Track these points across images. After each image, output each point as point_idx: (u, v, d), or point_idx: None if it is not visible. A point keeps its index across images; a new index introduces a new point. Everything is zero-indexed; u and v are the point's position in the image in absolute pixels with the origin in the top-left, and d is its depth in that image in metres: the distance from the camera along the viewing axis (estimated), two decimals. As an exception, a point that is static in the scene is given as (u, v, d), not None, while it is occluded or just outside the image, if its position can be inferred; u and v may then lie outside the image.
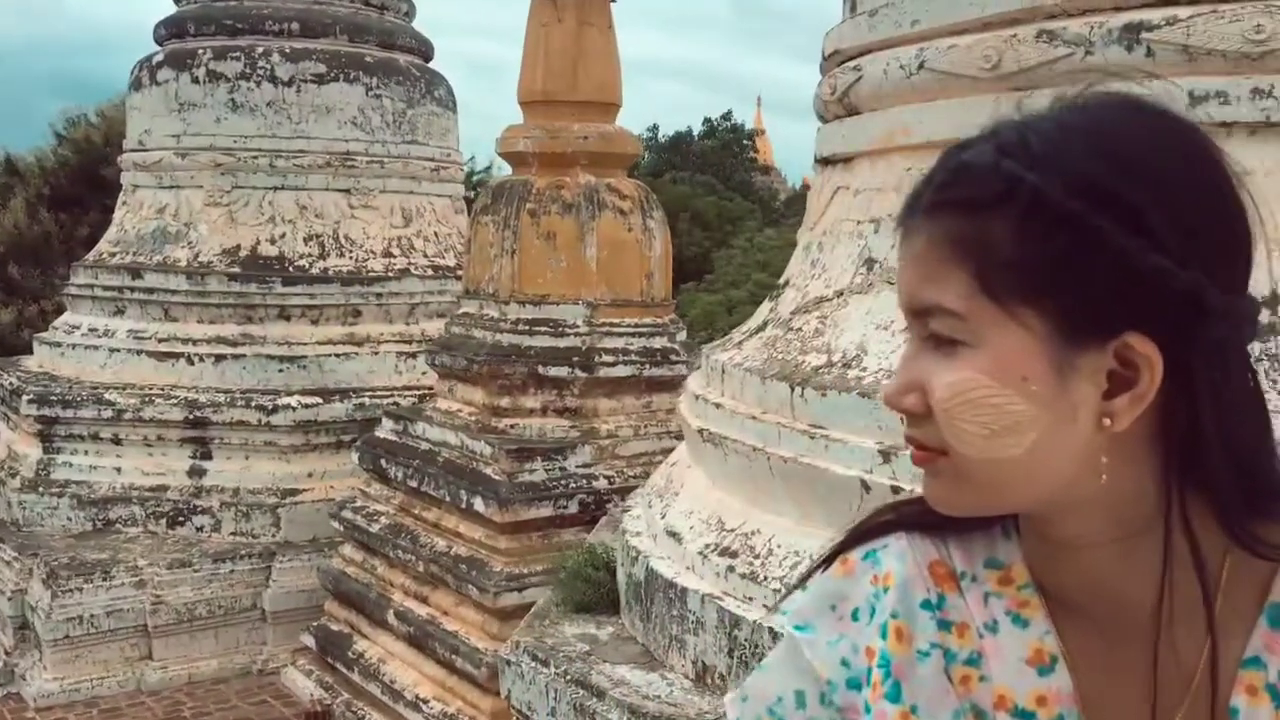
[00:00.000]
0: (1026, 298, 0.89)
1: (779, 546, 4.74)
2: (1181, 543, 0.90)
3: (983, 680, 0.98)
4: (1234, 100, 4.15)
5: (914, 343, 1.01)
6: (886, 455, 4.35)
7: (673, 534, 5.29)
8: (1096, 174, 0.91)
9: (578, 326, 10.02)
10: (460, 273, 12.60)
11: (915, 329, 1.00)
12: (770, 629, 4.48)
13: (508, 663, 5.55)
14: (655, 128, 58.20)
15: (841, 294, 5.16)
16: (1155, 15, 4.28)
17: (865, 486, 4.40)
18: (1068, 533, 0.96)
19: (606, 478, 9.50)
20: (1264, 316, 4.02)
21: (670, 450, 7.13)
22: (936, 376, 0.94)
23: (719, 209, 40.28)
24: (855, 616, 1.04)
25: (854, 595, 1.04)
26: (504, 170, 15.34)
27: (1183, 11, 4.24)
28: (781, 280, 6.00)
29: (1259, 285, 4.09)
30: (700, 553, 5.00)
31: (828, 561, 1.07)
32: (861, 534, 1.08)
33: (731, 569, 4.79)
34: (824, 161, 5.88)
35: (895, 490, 4.28)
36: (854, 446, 4.49)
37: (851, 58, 5.52)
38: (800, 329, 5.23)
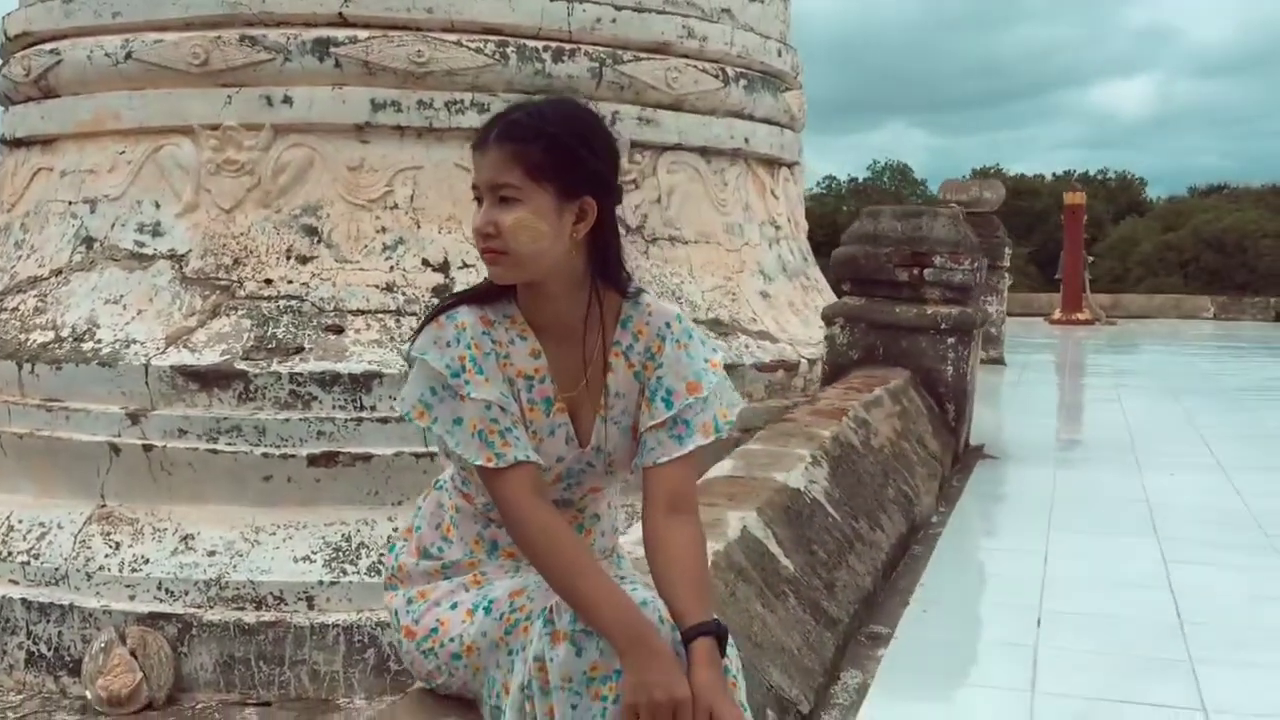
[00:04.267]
0: (546, 179, 1.62)
1: (20, 522, 4.72)
2: (594, 292, 1.73)
3: (509, 361, 1.72)
4: (405, 109, 5.20)
5: (489, 205, 1.64)
6: (135, 418, 4.63)
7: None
8: (571, 124, 1.70)
9: None
10: None
11: (489, 197, 1.64)
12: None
13: None
14: None
15: (60, 272, 5.23)
16: (340, 34, 5.16)
17: (115, 450, 4.63)
18: (550, 290, 1.71)
19: None
20: (441, 279, 5.15)
21: None
22: (505, 215, 1.62)
23: None
24: (449, 344, 1.68)
25: (446, 335, 1.70)
26: None
27: (361, 33, 5.17)
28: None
29: (457, 253, 5.20)
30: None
31: (426, 322, 1.71)
32: (442, 308, 1.73)
33: (-34, 555, 4.65)
34: (16, 143, 5.80)
35: (148, 449, 4.59)
36: (98, 414, 4.68)
37: (46, 40, 5.55)
38: (17, 309, 5.19)
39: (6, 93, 5.86)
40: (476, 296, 1.81)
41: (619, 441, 1.86)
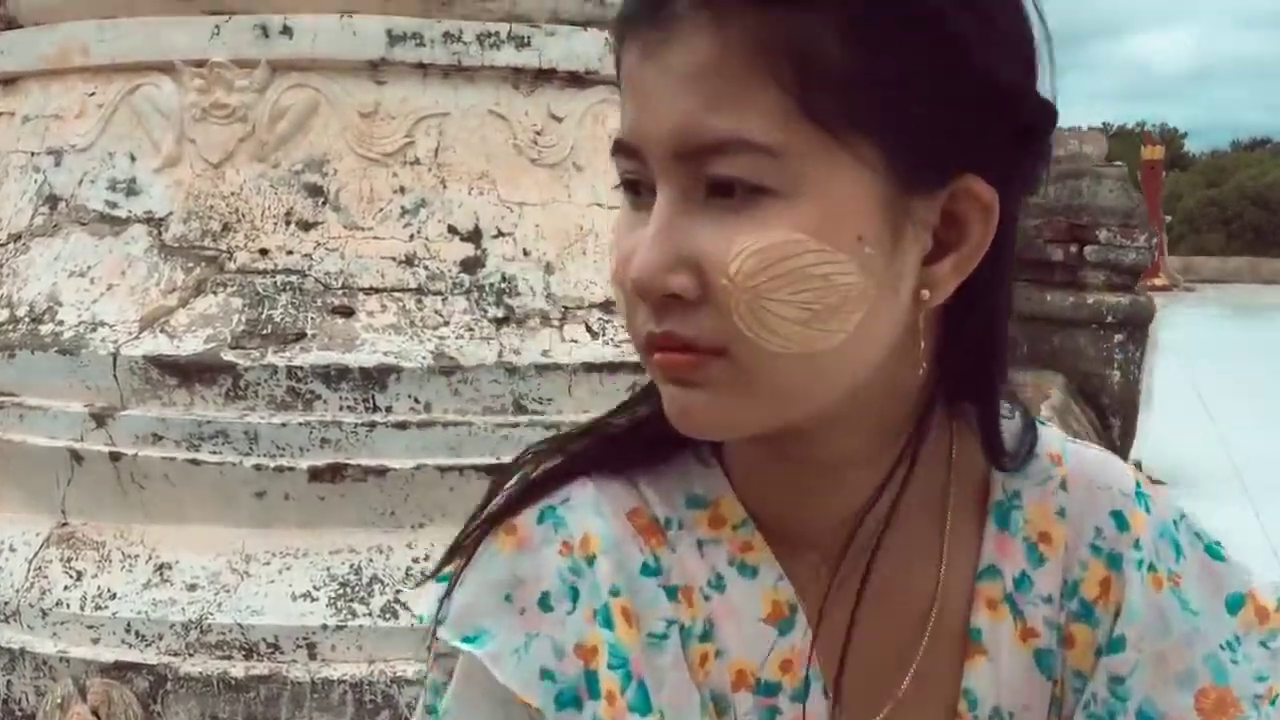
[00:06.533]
0: (864, 124, 0.67)
1: (-33, 542, 3.94)
2: (947, 448, 0.80)
3: (719, 656, 0.76)
4: (429, 42, 4.31)
5: (669, 203, 0.71)
6: (100, 419, 3.82)
7: None
8: None
9: None
10: None
11: (677, 179, 0.71)
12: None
13: None
14: None
15: (19, 237, 4.41)
16: (350, -51, 4.28)
17: (76, 457, 3.83)
18: (833, 451, 0.75)
19: None
20: (471, 250, 4.29)
21: None
22: (730, 241, 0.68)
23: None
24: (546, 605, 0.74)
25: (538, 574, 0.74)
26: None
27: (376, -52, 4.29)
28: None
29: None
30: None
31: (481, 533, 0.76)
32: (527, 489, 0.78)
33: (-98, 580, 3.87)
34: (-27, 80, 4.94)
35: (115, 457, 3.78)
36: (57, 413, 3.88)
37: (2, -39, 4.69)
38: (-32, 281, 4.37)
39: (-39, 20, 5.00)
40: (617, 456, 0.80)
41: None
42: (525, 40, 4.38)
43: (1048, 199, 3.38)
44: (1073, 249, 3.33)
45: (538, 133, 4.44)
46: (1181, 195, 43.21)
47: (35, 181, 4.47)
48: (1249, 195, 43.93)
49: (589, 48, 4.47)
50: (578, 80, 4.49)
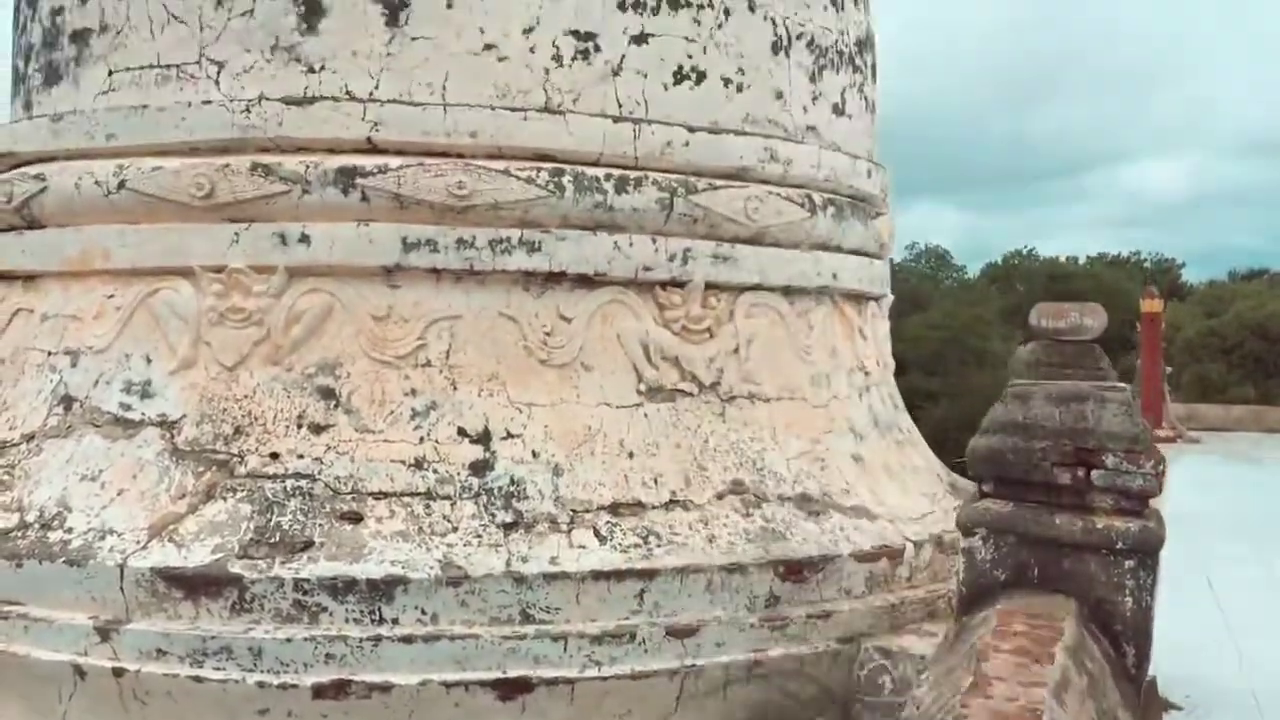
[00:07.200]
0: None
1: (-37, 758, 3.87)
2: None
3: None
4: (443, 248, 4.40)
5: None
6: (105, 633, 3.79)
7: None
8: None
9: None
10: None
11: None
12: None
13: None
14: None
15: (33, 438, 4.43)
16: (368, 162, 4.39)
17: (79, 672, 3.79)
18: None
19: None
20: (480, 453, 4.30)
21: None
22: None
23: None
24: None
25: None
26: None
27: (393, 161, 4.40)
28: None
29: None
30: None
31: None
32: None
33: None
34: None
35: (119, 673, 3.74)
36: (63, 625, 3.85)
37: (31, 163, 4.82)
38: (-20, 482, 4.38)
39: (-11, 219, 5.12)
40: None
41: None
42: (536, 245, 4.48)
43: (1053, 421, 3.42)
44: (1080, 473, 3.37)
45: (547, 333, 4.50)
46: (1181, 326, 43.62)
47: (51, 381, 4.52)
48: (1249, 326, 44.30)
49: (598, 250, 4.56)
50: (587, 281, 4.57)
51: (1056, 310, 8.55)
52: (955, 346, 35.37)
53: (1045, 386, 3.75)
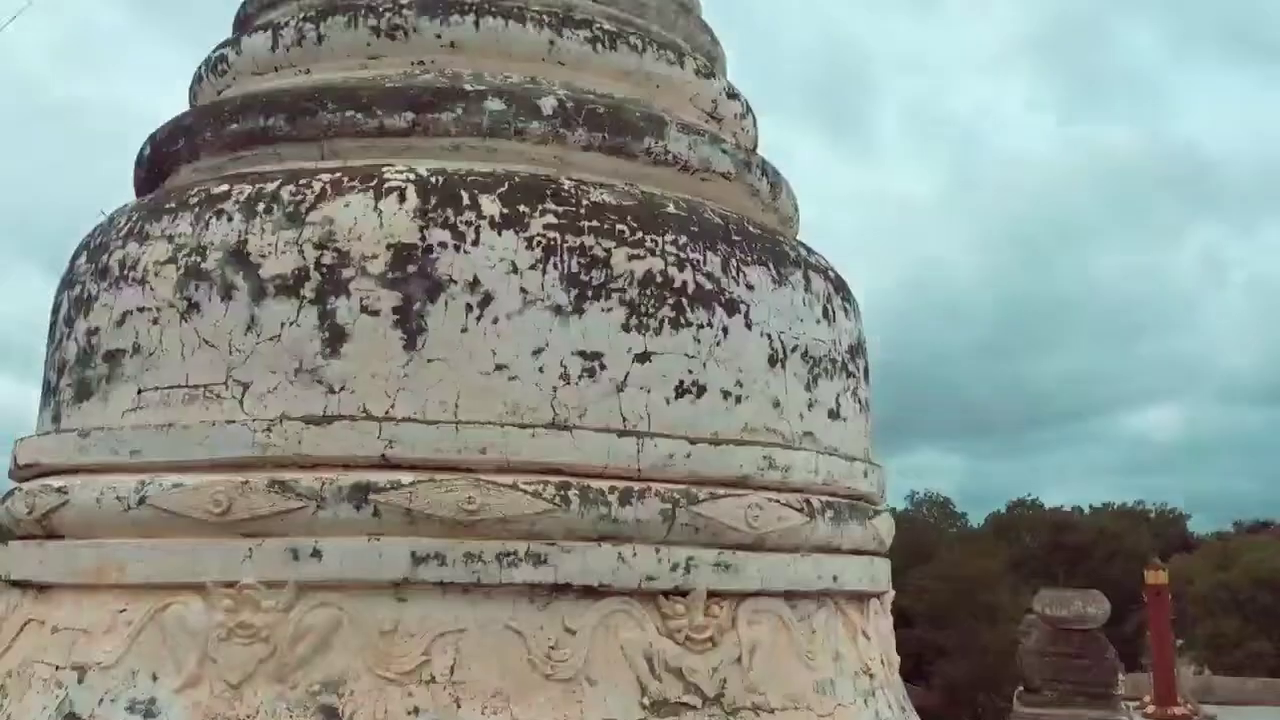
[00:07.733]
0: None
1: None
2: None
3: None
4: (450, 562, 4.51)
5: None
6: None
7: None
8: None
9: None
10: None
11: None
12: None
13: None
14: None
15: (31, 759, 4.39)
16: (381, 478, 4.56)
17: None
18: None
19: None
20: None
21: None
22: None
23: None
24: None
25: None
26: None
27: (405, 477, 4.57)
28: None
29: None
30: None
31: None
32: None
33: None
34: (13, 583, 5.12)
35: None
36: None
37: (54, 473, 5.00)
38: (-27, 806, 4.31)
39: (8, 525, 5.25)
40: None
41: None
42: (542, 558, 4.58)
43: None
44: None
45: (552, 646, 4.53)
46: (1192, 579, 42.99)
47: (56, 698, 4.52)
48: (1258, 580, 43.69)
49: (603, 562, 4.66)
50: (591, 592, 4.64)
51: (1059, 599, 8.56)
52: (964, 599, 34.83)
53: None
